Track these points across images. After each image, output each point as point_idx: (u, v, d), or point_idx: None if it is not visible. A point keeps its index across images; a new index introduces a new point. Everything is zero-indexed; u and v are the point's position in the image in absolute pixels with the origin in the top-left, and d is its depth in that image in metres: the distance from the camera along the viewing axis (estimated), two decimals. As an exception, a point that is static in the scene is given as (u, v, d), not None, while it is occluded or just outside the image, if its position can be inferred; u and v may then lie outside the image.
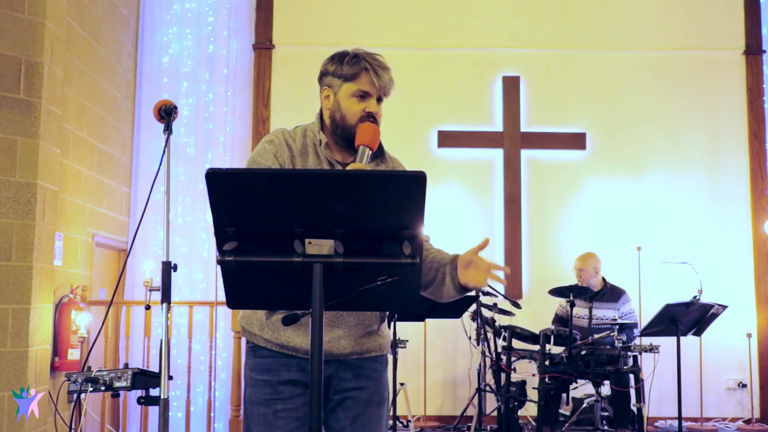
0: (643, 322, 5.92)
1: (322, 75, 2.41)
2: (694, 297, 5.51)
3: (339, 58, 2.37)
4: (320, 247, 1.72)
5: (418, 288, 1.84)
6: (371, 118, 2.34)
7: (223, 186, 1.69)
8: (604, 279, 6.23)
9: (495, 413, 6.13)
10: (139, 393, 3.08)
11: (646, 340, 5.89)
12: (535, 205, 7.14)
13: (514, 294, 6.84)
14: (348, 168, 2.21)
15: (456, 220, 7.04)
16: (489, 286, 5.66)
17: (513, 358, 5.81)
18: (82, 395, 3.18)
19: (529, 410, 6.45)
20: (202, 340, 6.33)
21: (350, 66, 2.34)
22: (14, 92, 4.49)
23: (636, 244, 6.68)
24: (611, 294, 6.13)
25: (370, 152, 2.27)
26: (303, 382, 2.30)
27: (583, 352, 5.43)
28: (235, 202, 1.70)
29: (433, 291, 2.30)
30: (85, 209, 5.74)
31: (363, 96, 2.34)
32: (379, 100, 2.37)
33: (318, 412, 1.74)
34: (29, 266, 4.47)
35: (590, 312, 5.81)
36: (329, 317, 2.28)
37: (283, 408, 2.28)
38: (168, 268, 2.76)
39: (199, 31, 6.89)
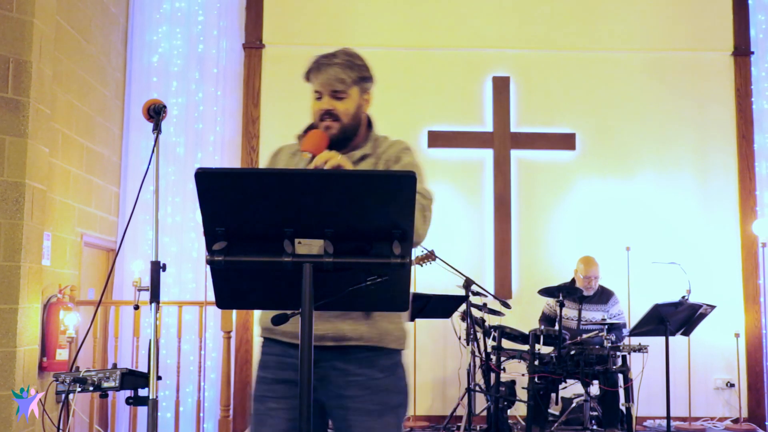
0: (632, 322, 5.94)
1: None
2: (683, 297, 5.53)
3: None
4: (310, 246, 1.72)
5: (408, 288, 1.85)
6: (326, 115, 2.35)
7: (212, 186, 1.69)
8: (596, 281, 6.24)
9: (484, 413, 6.13)
10: (127, 393, 3.07)
11: (635, 340, 5.90)
12: (524, 205, 7.15)
13: (503, 294, 6.85)
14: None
15: (446, 221, 7.04)
16: (478, 286, 5.71)
17: (502, 358, 5.82)
18: (71, 396, 3.16)
19: (519, 410, 6.45)
20: (192, 340, 6.31)
21: (307, 68, 2.39)
22: (2, 91, 4.46)
23: (625, 245, 6.69)
24: (601, 296, 6.15)
25: (312, 157, 2.24)
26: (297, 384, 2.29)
27: (573, 352, 5.44)
28: (225, 201, 1.70)
29: None
30: (73, 209, 5.71)
31: (318, 96, 2.37)
32: (335, 95, 2.35)
33: (308, 411, 1.74)
34: (17, 266, 4.44)
35: (579, 314, 5.82)
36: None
37: (276, 407, 2.26)
38: (157, 268, 2.75)
39: (188, 31, 6.87)
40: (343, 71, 2.35)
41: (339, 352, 2.24)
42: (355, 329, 2.23)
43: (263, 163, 2.60)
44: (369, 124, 2.49)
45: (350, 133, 2.40)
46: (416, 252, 5.72)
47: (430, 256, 5.60)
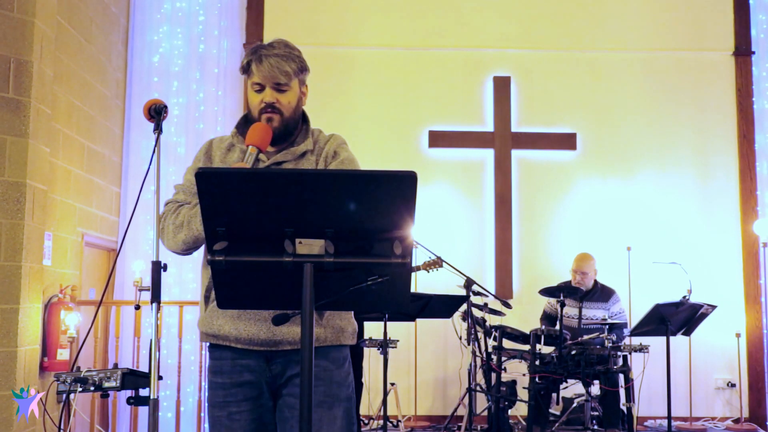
0: (633, 322, 5.94)
1: None
2: (684, 297, 5.53)
3: None
4: (311, 246, 1.72)
5: (408, 288, 1.84)
6: (269, 108, 2.31)
7: (213, 186, 1.69)
8: (594, 279, 6.24)
9: (485, 413, 6.13)
10: (128, 393, 3.07)
11: (636, 340, 5.90)
12: (525, 205, 7.15)
13: (504, 294, 6.85)
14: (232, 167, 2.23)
15: (447, 221, 7.05)
16: (479, 285, 5.71)
17: (503, 358, 5.82)
18: (72, 395, 3.17)
19: (520, 410, 6.46)
20: (192, 340, 6.31)
21: (246, 59, 2.35)
22: (3, 91, 4.46)
23: (626, 244, 6.70)
24: (601, 294, 6.15)
25: (258, 152, 2.24)
26: (257, 384, 2.29)
27: (573, 352, 5.44)
28: (226, 201, 1.70)
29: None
30: (74, 209, 5.71)
31: (259, 88, 2.32)
32: (277, 87, 2.31)
33: (308, 408, 1.74)
34: (18, 266, 4.44)
35: (580, 312, 5.82)
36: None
37: (237, 411, 2.27)
38: (158, 268, 2.75)
39: (189, 30, 6.87)
40: (286, 62, 2.30)
41: (296, 353, 2.26)
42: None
43: (197, 158, 2.58)
44: (305, 117, 2.45)
45: (291, 127, 2.37)
46: (423, 257, 5.71)
47: (437, 262, 5.58)
